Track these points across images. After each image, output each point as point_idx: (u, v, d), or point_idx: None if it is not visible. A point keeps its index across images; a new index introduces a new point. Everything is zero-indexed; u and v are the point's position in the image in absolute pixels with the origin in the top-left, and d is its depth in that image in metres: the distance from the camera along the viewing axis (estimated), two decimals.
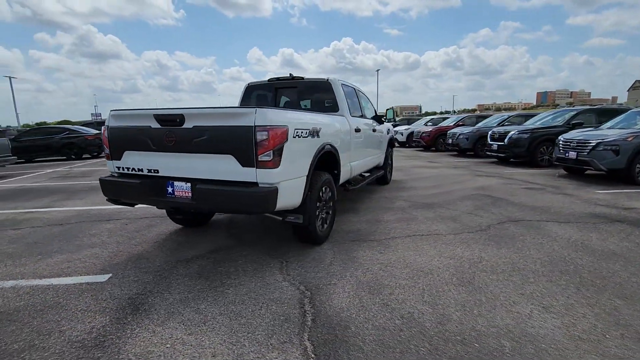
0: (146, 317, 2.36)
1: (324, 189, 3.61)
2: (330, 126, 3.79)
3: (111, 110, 3.20)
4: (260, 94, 4.92)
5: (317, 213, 3.44)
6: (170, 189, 3.03)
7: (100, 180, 3.29)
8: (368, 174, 5.99)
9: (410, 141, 16.72)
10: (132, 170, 3.18)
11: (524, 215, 4.69)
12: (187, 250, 3.59)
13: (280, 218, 3.19)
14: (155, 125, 2.96)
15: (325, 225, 3.74)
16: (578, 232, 3.94)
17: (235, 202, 2.70)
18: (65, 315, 2.40)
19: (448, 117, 17.12)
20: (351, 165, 4.59)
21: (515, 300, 2.50)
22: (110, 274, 3.02)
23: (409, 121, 21.69)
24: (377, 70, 41.87)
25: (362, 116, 5.30)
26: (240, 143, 2.66)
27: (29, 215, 5.17)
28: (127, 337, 2.13)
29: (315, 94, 4.70)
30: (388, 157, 6.85)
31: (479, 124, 13.53)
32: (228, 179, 2.79)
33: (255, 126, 2.62)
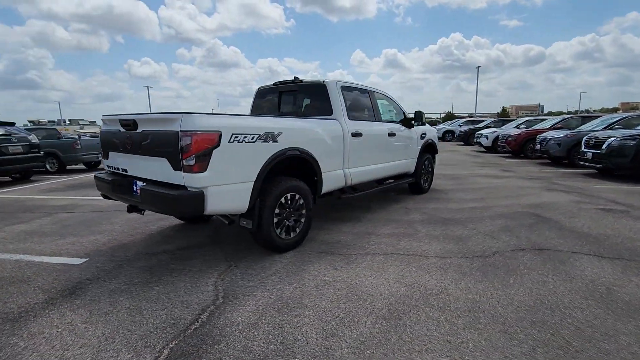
0: (71, 301, 2.64)
1: (289, 195, 3.48)
2: (302, 131, 3.63)
3: (103, 116, 3.65)
4: (268, 98, 4.98)
5: (272, 220, 3.34)
6: (135, 188, 3.32)
7: (94, 176, 3.78)
8: (392, 181, 5.56)
9: (497, 146, 14.81)
10: (114, 169, 3.58)
11: (560, 243, 3.75)
12: (163, 244, 3.87)
13: (227, 222, 3.19)
14: (121, 129, 3.28)
15: (293, 234, 3.60)
16: (616, 274, 2.99)
17: (166, 204, 2.81)
18: (23, 289, 2.84)
19: (547, 119, 14.61)
20: (348, 172, 4.32)
21: (430, 348, 2.04)
22: (87, 259, 3.46)
23: (502, 123, 19.21)
24: (478, 67, 38.06)
25: (375, 120, 4.94)
26: (169, 147, 2.76)
27: (86, 202, 6.23)
28: (38, 317, 2.42)
29: (312, 97, 4.56)
30: (424, 164, 6.22)
31: (580, 127, 11.22)
32: (165, 181, 2.91)
33: (179, 131, 2.69)
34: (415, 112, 5.69)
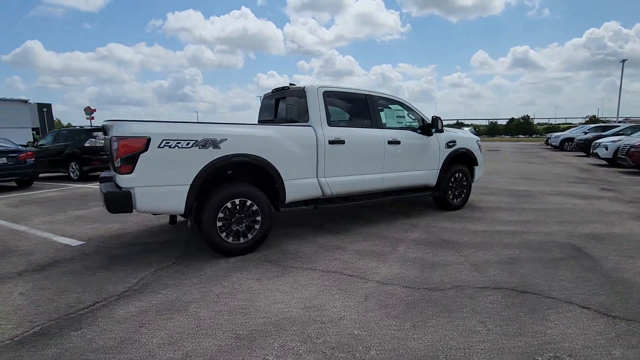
0: (32, 275, 3.21)
1: (237, 201, 3.52)
2: (252, 137, 3.61)
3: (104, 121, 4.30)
4: (269, 104, 5.08)
5: (215, 223, 3.42)
6: None
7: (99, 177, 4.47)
8: (409, 193, 5.06)
9: (617, 158, 11.79)
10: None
11: (562, 288, 2.87)
12: (150, 237, 4.32)
13: (169, 221, 3.40)
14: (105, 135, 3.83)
15: (244, 239, 3.62)
16: (599, 341, 2.15)
17: (104, 202, 3.15)
18: (16, 259, 3.57)
19: None
20: (325, 181, 4.11)
21: None
22: (84, 243, 4.13)
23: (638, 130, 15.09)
24: (623, 61, 30.57)
25: (374, 126, 4.56)
26: (109, 151, 3.12)
27: None
28: None
29: (295, 104, 4.46)
30: (454, 176, 5.43)
31: None
32: (116, 183, 3.28)
33: (111, 137, 3.02)
34: (432, 117, 5.02)
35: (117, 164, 3.02)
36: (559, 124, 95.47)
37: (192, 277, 3.13)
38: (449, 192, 5.46)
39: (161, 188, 3.17)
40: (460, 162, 5.63)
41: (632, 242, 4.01)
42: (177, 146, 3.18)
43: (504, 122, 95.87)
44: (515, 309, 2.54)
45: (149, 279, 3.09)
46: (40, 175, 10.31)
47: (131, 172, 3.03)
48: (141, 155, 3.04)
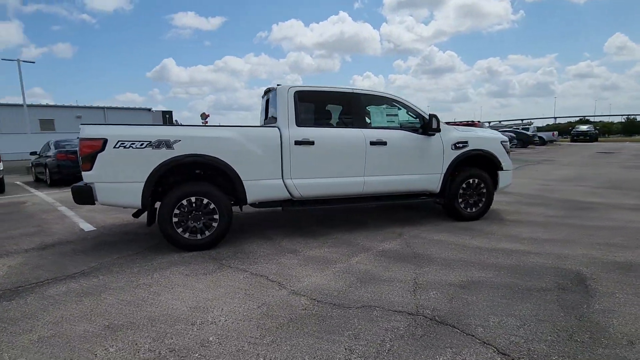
0: (29, 253, 3.89)
1: (193, 199, 3.70)
2: (207, 138, 3.73)
3: None
4: (263, 105, 5.13)
5: (171, 219, 3.65)
6: None
7: None
8: (408, 199, 4.65)
9: None
10: None
11: (503, 322, 2.30)
12: (152, 228, 4.81)
13: (132, 214, 3.75)
14: None
15: (201, 236, 3.78)
16: None
17: (73, 195, 3.63)
18: (36, 239, 4.36)
19: None
20: (292, 182, 4.03)
21: None
22: (95, 229, 4.82)
23: None
24: None
25: (357, 126, 4.28)
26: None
27: None
28: (4, 256, 3.75)
29: (273, 104, 4.42)
30: (466, 182, 4.73)
31: None
32: None
33: (77, 138, 3.48)
34: (428, 115, 4.44)
35: (80, 162, 3.47)
36: None
37: (135, 267, 3.40)
38: (459, 200, 4.77)
39: (118, 184, 3.53)
40: (477, 165, 4.87)
41: None
42: (132, 147, 3.50)
43: None
44: (409, 339, 2.13)
45: (103, 265, 3.47)
46: None
47: (91, 169, 3.45)
48: (99, 154, 3.43)
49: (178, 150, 3.62)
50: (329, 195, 4.30)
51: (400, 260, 3.47)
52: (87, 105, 35.08)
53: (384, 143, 4.32)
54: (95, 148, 3.44)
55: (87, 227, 4.97)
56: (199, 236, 3.79)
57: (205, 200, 3.75)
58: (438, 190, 4.69)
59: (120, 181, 3.54)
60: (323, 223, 4.91)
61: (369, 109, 4.59)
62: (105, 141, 3.44)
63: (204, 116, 27.61)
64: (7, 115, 28.98)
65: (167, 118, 56.80)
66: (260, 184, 3.95)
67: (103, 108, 35.45)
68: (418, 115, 4.62)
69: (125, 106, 37.93)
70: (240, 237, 4.31)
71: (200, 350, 2.07)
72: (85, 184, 3.51)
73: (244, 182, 3.86)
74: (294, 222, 4.99)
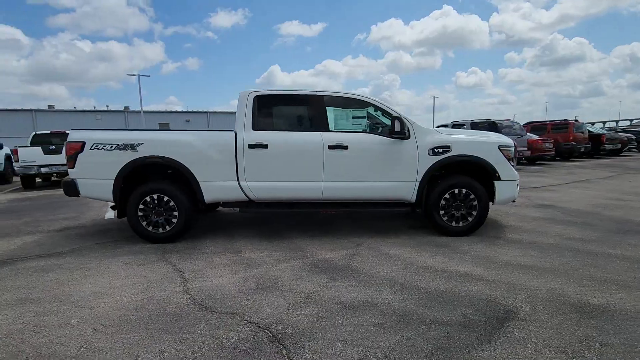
0: (47, 234, 4.79)
1: (155, 196, 4.11)
2: (166, 141, 4.08)
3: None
4: None
5: (136, 213, 4.11)
6: None
7: None
8: (384, 207, 4.37)
9: None
10: None
11: (329, 344, 2.08)
12: None
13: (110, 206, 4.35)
14: None
15: (162, 230, 4.17)
16: None
17: (63, 188, 4.33)
18: (66, 223, 5.34)
19: None
20: (247, 184, 4.14)
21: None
22: (113, 218, 5.65)
23: None
24: None
25: (318, 130, 4.15)
26: None
27: None
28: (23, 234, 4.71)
29: None
30: (450, 192, 4.16)
31: None
32: None
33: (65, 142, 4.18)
34: (393, 117, 4.01)
35: (66, 160, 4.17)
36: None
37: (99, 252, 3.94)
38: (441, 212, 4.23)
39: (94, 180, 4.13)
40: (465, 173, 4.25)
41: (617, 321, 2.19)
42: (104, 149, 4.06)
43: None
44: (225, 351, 2.07)
45: (81, 248, 4.11)
46: None
47: (73, 167, 4.11)
48: (79, 155, 4.07)
49: (141, 152, 4.06)
50: (286, 199, 4.28)
51: (323, 272, 3.29)
52: (194, 110, 40.86)
53: (345, 147, 4.10)
54: (76, 149, 4.09)
55: (110, 215, 5.86)
56: (160, 230, 4.18)
57: (166, 198, 4.12)
58: (413, 199, 4.24)
59: (96, 178, 4.13)
60: (293, 227, 4.87)
61: (333, 112, 4.40)
62: (83, 144, 4.07)
63: None
64: (131, 120, 35.70)
65: None
66: (217, 185, 4.16)
67: (206, 112, 40.65)
68: (393, 117, 4.24)
69: (229, 110, 42.57)
70: (207, 233, 4.59)
71: (56, 329, 2.35)
72: (71, 179, 4.20)
73: (200, 182, 4.12)
74: (268, 225, 5.05)
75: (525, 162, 14.32)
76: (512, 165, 4.29)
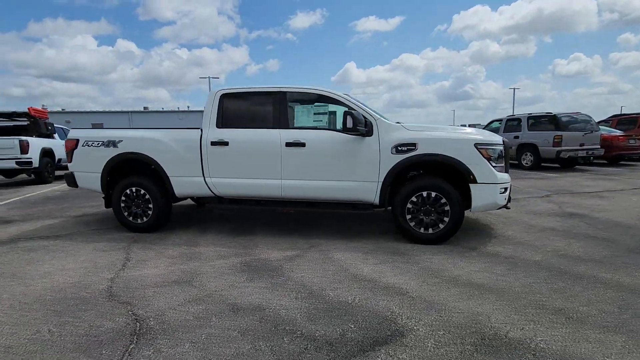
0: (58, 220, 5.52)
1: (134, 189, 4.46)
2: (140, 139, 4.38)
3: None
4: None
5: (119, 204, 4.51)
6: None
7: None
8: (348, 208, 4.19)
9: None
10: None
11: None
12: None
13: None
14: None
15: (140, 220, 4.52)
16: None
17: (65, 180, 4.92)
18: (81, 211, 6.10)
19: None
20: (211, 181, 4.26)
21: None
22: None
23: None
24: None
25: (279, 127, 4.08)
26: None
27: None
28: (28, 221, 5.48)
29: None
30: (418, 195, 3.76)
31: None
32: None
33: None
34: (345, 112, 3.70)
35: (66, 156, 4.75)
36: None
37: (85, 237, 4.41)
38: (407, 216, 3.85)
39: (86, 173, 4.64)
40: (435, 174, 3.79)
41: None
42: (93, 145, 4.53)
43: None
44: (79, 337, 2.19)
45: (76, 232, 4.65)
46: None
47: (71, 161, 4.67)
48: (74, 151, 4.61)
49: (121, 149, 4.44)
50: (248, 196, 4.29)
51: (248, 272, 3.24)
52: None
53: (302, 144, 3.97)
54: (73, 146, 4.64)
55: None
56: (139, 220, 4.54)
57: (143, 191, 4.46)
58: (377, 201, 3.92)
59: (87, 171, 4.64)
60: (265, 225, 4.85)
61: (295, 108, 4.26)
62: (77, 141, 4.60)
63: None
64: (196, 119, 39.20)
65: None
66: (185, 181, 4.36)
67: None
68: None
69: None
70: (191, 226, 4.84)
71: None
72: (71, 172, 4.78)
73: (170, 177, 4.36)
74: (244, 222, 5.08)
75: (602, 162, 12.18)
76: (495, 167, 3.70)
